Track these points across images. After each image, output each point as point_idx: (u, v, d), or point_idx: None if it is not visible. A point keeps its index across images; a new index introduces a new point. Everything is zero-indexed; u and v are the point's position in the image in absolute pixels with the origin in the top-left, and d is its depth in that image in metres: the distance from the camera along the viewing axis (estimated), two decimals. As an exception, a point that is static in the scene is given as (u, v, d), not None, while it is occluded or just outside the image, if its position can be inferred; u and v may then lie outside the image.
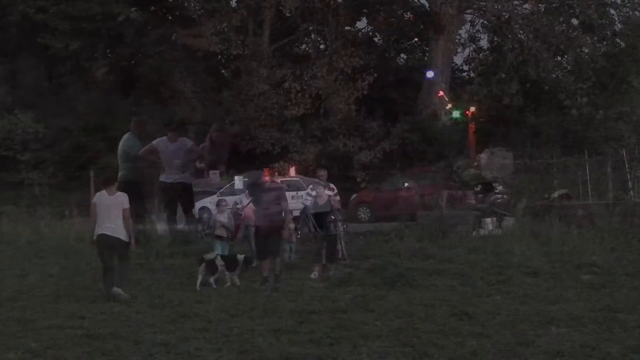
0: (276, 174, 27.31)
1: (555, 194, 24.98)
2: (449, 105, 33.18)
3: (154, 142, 16.63)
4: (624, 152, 24.77)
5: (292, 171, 27.48)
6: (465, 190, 25.44)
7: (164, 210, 18.06)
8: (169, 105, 35.46)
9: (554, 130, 33.58)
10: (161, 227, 18.17)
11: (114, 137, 34.83)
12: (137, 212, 17.34)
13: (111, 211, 11.78)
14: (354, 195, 29.69)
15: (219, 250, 14.68)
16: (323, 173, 15.38)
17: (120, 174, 17.39)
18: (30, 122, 32.17)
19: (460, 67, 42.68)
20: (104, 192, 12.08)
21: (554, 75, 34.96)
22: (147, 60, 37.27)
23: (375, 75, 35.71)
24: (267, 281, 12.96)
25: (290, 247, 15.97)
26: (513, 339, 8.79)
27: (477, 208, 22.08)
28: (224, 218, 15.40)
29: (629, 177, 22.95)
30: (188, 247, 16.93)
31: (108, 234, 11.74)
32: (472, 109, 32.65)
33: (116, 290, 11.56)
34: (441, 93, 33.67)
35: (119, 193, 12.15)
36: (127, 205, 11.93)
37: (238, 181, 26.13)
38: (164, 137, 16.68)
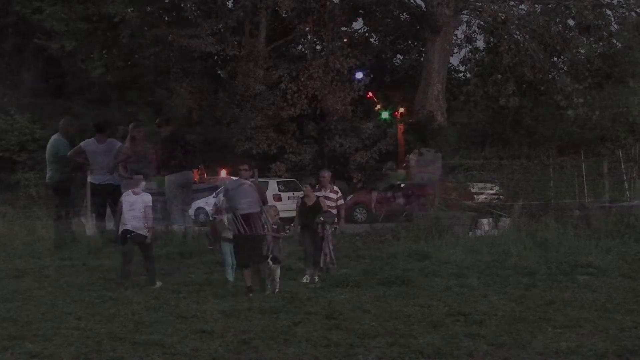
0: (205, 175, 26.55)
1: (484, 195, 25.48)
2: (378, 106, 33.29)
3: (81, 143, 16.79)
4: (620, 152, 24.82)
5: (223, 173, 25.99)
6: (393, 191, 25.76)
7: (92, 211, 18.11)
8: (165, 106, 35.51)
9: (550, 130, 33.67)
10: (90, 227, 18.26)
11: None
12: (66, 213, 17.45)
13: (135, 209, 13.01)
14: (351, 195, 29.71)
15: (227, 252, 14.05)
16: (326, 175, 14.96)
17: (48, 175, 17.52)
18: (27, 123, 32.19)
19: (457, 68, 42.74)
20: (129, 192, 13.29)
21: (550, 76, 35.02)
22: (143, 61, 37.26)
23: (372, 76, 35.76)
24: (252, 291, 12.11)
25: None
26: (510, 340, 8.80)
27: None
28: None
29: (625, 177, 22.99)
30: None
31: (130, 229, 12.99)
32: (401, 109, 32.79)
33: (157, 285, 12.85)
34: (370, 94, 33.76)
35: (144, 193, 13.33)
36: (150, 204, 13.21)
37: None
38: (92, 139, 16.75)
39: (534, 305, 10.86)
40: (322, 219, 14.00)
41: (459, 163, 26.29)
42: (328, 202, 14.51)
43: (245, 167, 13.75)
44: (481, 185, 25.71)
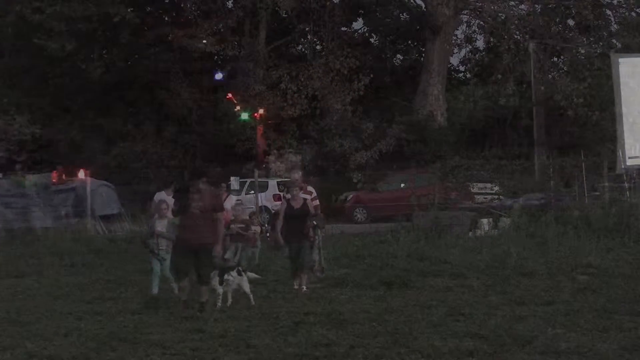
0: (64, 176, 26.21)
1: (343, 196, 25.49)
2: (238, 107, 33.34)
3: None
4: (620, 152, 24.78)
5: (81, 173, 24.95)
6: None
7: None
8: (165, 106, 35.54)
9: (549, 131, 33.64)
10: None
11: (110, 138, 35.09)
12: None
13: (170, 208, 13.27)
14: (351, 196, 29.69)
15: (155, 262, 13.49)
16: (297, 177, 13.70)
17: None
18: (27, 122, 32.17)
19: (457, 68, 42.77)
20: (163, 192, 13.91)
21: (549, 76, 35.01)
22: (143, 61, 37.25)
23: (372, 76, 35.75)
24: (203, 308, 10.69)
25: (253, 252, 15.23)
26: (509, 340, 8.78)
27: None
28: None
29: (624, 177, 22.97)
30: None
31: None
32: (261, 111, 32.90)
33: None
34: (229, 95, 33.77)
35: (177, 194, 13.74)
36: None
37: (234, 181, 26.08)
38: None
39: (534, 306, 10.85)
40: (315, 223, 13.05)
41: (459, 163, 26.30)
42: None
43: (203, 179, 11.18)
44: (481, 185, 25.72)
